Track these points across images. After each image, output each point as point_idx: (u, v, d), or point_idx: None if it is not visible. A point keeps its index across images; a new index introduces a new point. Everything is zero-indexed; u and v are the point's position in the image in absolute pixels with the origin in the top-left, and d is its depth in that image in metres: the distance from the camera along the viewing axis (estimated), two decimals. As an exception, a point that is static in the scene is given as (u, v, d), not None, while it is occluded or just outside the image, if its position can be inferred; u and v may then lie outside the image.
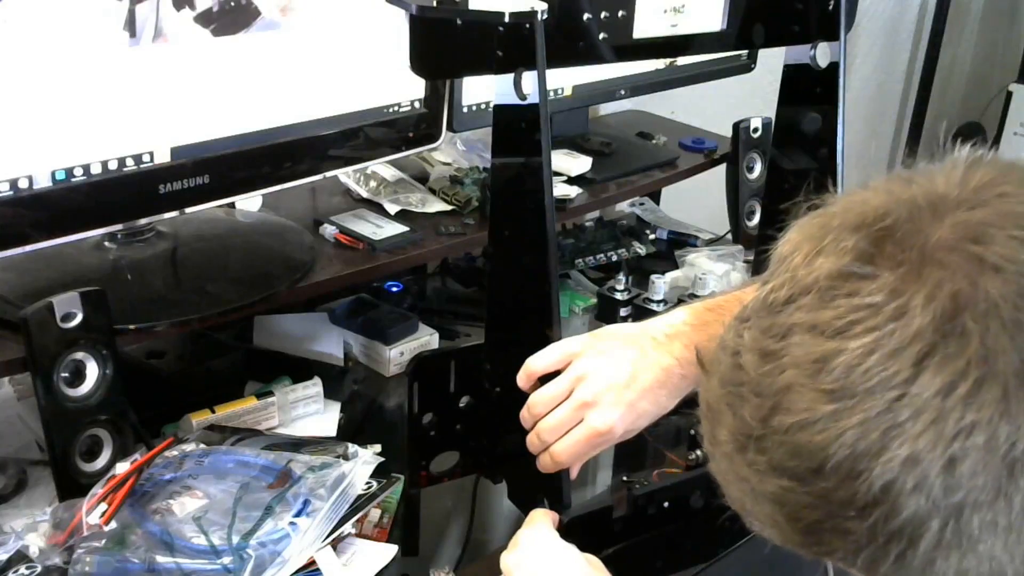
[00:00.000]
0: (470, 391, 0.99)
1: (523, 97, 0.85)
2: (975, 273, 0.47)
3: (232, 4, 1.05)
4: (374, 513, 0.99)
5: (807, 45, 1.03)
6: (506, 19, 0.83)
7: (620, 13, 0.90)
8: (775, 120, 1.11)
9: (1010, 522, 0.47)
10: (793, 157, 1.09)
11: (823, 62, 1.03)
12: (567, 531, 0.87)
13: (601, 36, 0.90)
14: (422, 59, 0.85)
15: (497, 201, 0.94)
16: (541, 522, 0.87)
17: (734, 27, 0.99)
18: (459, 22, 0.85)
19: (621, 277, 1.50)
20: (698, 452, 1.06)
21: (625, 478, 1.02)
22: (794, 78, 1.07)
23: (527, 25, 0.83)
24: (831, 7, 1.02)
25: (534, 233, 0.87)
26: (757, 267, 1.20)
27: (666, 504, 0.98)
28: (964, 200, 0.49)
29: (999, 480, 0.46)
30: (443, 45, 0.86)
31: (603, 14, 0.89)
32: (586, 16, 0.88)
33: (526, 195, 0.88)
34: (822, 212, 0.54)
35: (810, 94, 1.05)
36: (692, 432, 1.09)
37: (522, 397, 0.95)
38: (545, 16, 0.83)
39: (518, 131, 0.86)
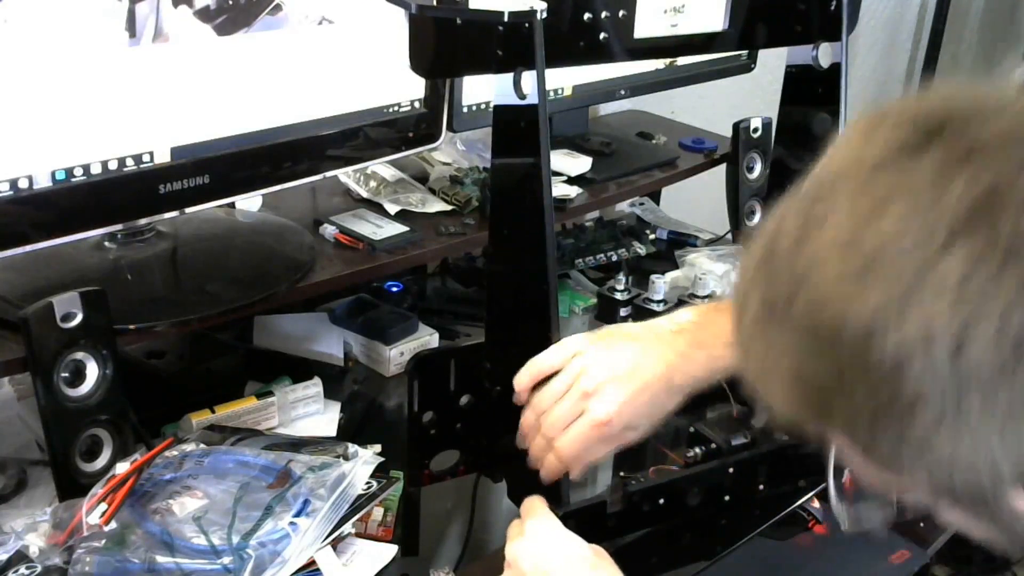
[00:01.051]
0: (470, 390, 0.99)
1: (522, 96, 0.85)
2: (1017, 168, 0.48)
3: (231, 2, 1.05)
4: (377, 512, 0.99)
5: (809, 46, 1.03)
6: (505, 18, 0.83)
7: (621, 13, 0.90)
8: (778, 121, 1.11)
9: (1009, 410, 0.48)
10: (796, 157, 1.09)
11: (825, 63, 1.03)
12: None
13: (601, 36, 0.90)
14: (422, 58, 0.85)
15: (497, 201, 0.94)
16: (544, 512, 0.87)
17: (736, 27, 0.99)
18: (459, 21, 0.85)
19: (621, 277, 1.50)
20: (697, 450, 1.06)
21: (622, 474, 1.02)
22: (797, 79, 1.07)
23: (526, 24, 0.83)
24: (833, 7, 1.02)
25: (533, 233, 0.87)
26: None
27: (662, 501, 0.98)
28: (1020, 107, 0.51)
29: (1005, 364, 0.47)
30: (443, 44, 0.86)
31: (603, 14, 0.89)
32: (586, 16, 0.88)
33: (525, 195, 0.88)
34: (880, 110, 0.56)
35: (813, 95, 1.05)
36: (692, 430, 1.09)
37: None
38: (544, 16, 0.83)
39: (518, 131, 0.86)
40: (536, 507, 0.88)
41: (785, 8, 1.01)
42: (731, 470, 1.03)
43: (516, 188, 0.90)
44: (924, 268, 0.48)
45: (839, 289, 0.50)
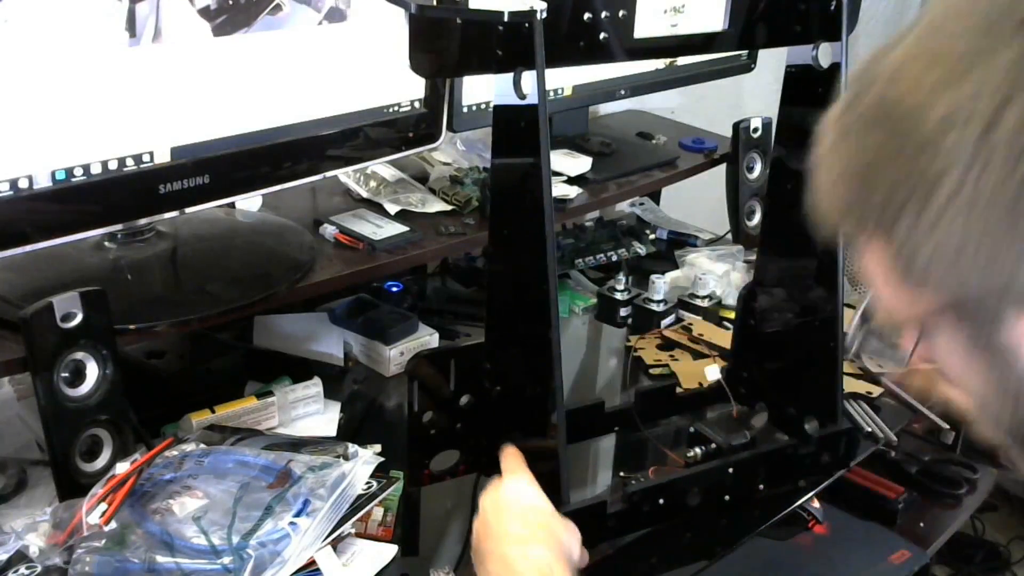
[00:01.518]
0: (470, 390, 0.99)
1: (522, 96, 0.85)
2: None
3: (231, 2, 1.05)
4: (377, 512, 0.99)
5: (809, 46, 1.03)
6: (505, 18, 0.83)
7: (621, 13, 0.90)
8: (777, 121, 1.11)
9: (1017, 199, 0.51)
10: (796, 158, 1.09)
11: (825, 63, 1.03)
12: None
13: (601, 36, 0.90)
14: (421, 57, 0.84)
15: (497, 201, 0.94)
16: (520, 470, 0.91)
17: (736, 27, 0.99)
18: (459, 21, 0.85)
19: (621, 277, 1.50)
20: (697, 450, 1.06)
21: (622, 474, 1.02)
22: (796, 79, 1.06)
23: (526, 24, 0.83)
24: (833, 7, 1.02)
25: (533, 233, 0.87)
26: (759, 268, 1.19)
27: (661, 501, 0.98)
28: None
29: (1018, 158, 0.50)
30: (442, 44, 0.85)
31: (603, 14, 0.89)
32: (586, 16, 0.88)
33: (525, 195, 0.88)
34: None
35: (812, 95, 1.05)
36: (692, 430, 1.09)
37: (521, 395, 0.95)
38: (544, 16, 0.83)
39: (517, 130, 0.86)
40: (514, 465, 0.91)
41: (785, 8, 1.01)
42: (731, 470, 1.03)
43: (516, 188, 0.90)
44: (987, 52, 0.51)
45: (909, 70, 0.54)
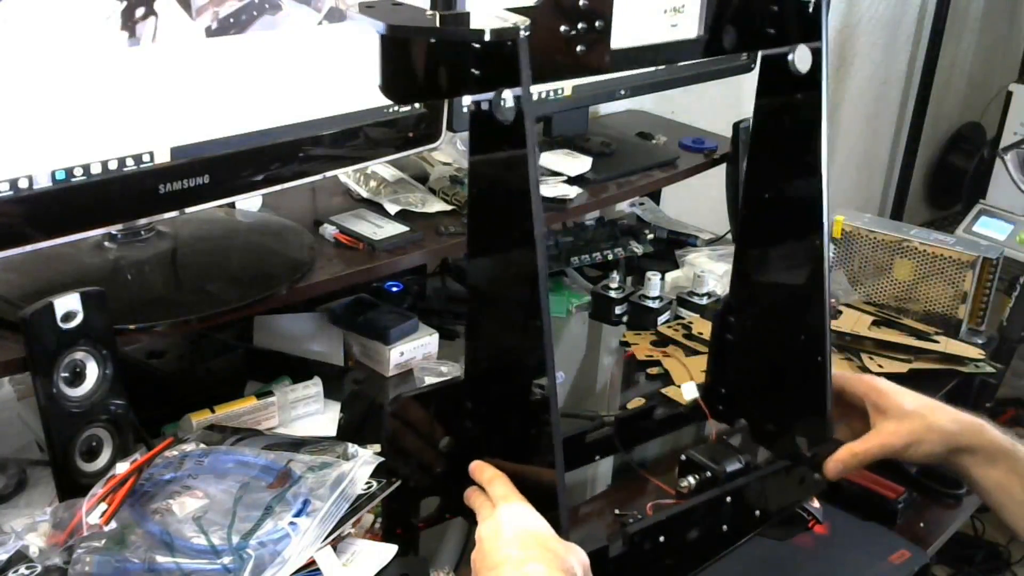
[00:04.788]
0: (449, 430, 0.95)
1: (504, 118, 0.78)
2: None
3: (231, 1, 1.05)
4: (367, 518, 0.98)
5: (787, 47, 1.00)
6: (487, 37, 0.76)
7: (597, 24, 0.85)
8: (752, 129, 1.07)
9: None
10: (771, 167, 1.07)
11: (802, 67, 1.00)
12: None
13: (578, 49, 0.84)
14: (393, 82, 0.77)
15: (478, 221, 0.88)
16: (517, 495, 0.86)
17: (715, 32, 0.95)
18: (433, 41, 0.76)
19: (615, 275, 1.50)
20: (690, 479, 1.00)
21: (617, 512, 0.96)
22: (772, 76, 1.04)
23: (509, 43, 0.77)
24: (811, 9, 0.99)
25: (521, 271, 0.81)
26: (735, 281, 1.13)
27: (662, 539, 0.93)
28: None
29: None
30: (417, 66, 0.77)
31: (580, 26, 0.84)
32: (563, 28, 0.83)
33: (512, 222, 0.82)
34: None
35: (790, 95, 1.02)
36: (683, 458, 1.02)
37: (508, 429, 0.91)
38: (528, 33, 0.77)
39: (501, 159, 0.81)
40: (506, 491, 0.87)
41: (762, 11, 0.97)
42: (728, 499, 0.97)
43: (499, 213, 0.84)
44: None
45: None
